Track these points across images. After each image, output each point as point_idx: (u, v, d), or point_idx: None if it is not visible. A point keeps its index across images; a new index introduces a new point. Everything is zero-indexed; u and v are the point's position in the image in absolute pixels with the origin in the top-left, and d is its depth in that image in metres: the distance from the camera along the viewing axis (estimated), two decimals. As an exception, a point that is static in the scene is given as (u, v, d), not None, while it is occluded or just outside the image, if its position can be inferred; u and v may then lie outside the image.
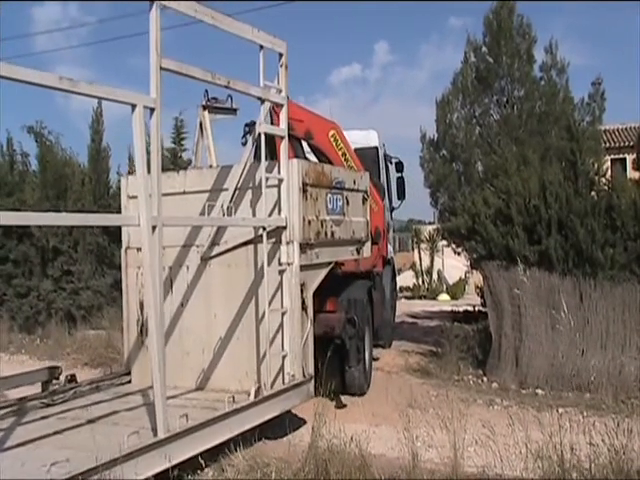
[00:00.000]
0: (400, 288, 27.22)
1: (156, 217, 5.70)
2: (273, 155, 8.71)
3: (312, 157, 9.61)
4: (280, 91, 7.42)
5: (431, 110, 15.06)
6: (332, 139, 9.77)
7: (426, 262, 26.47)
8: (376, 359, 11.04)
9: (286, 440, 6.82)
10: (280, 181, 7.30)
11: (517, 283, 9.60)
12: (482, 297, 11.98)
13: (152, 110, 5.52)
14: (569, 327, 9.28)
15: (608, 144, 24.74)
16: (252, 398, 6.54)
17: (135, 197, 7.46)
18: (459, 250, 11.77)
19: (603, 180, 10.06)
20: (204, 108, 8.75)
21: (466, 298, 21.39)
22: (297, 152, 9.26)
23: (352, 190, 8.82)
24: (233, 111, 8.99)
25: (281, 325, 7.29)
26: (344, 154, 9.86)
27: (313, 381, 7.52)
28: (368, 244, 9.36)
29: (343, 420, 6.42)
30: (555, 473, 4.90)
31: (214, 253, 7.78)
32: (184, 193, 7.90)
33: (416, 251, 27.43)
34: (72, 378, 7.84)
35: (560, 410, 8.11)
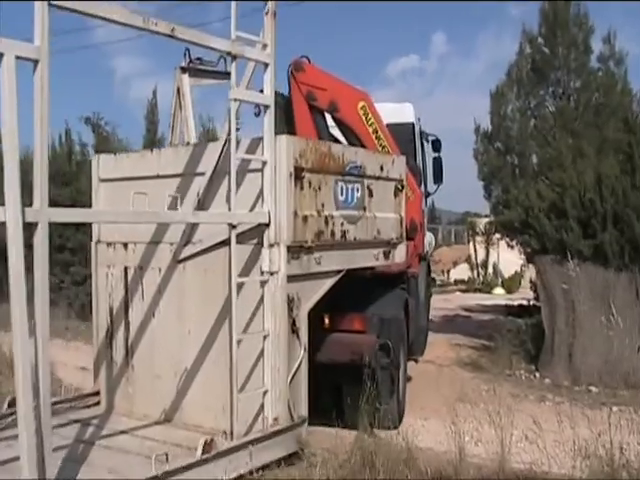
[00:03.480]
0: (455, 281, 27.17)
1: (38, 211, 4.20)
2: (291, 128, 7.77)
3: (337, 133, 8.37)
4: (265, 46, 5.77)
5: (486, 101, 14.93)
6: (362, 112, 8.32)
7: (481, 255, 26.25)
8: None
9: (334, 431, 6.76)
10: (263, 164, 5.75)
11: (569, 278, 9.47)
12: (535, 292, 11.84)
13: (35, 63, 4.11)
14: (624, 323, 9.12)
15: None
16: (198, 455, 4.96)
17: (108, 180, 6.99)
18: (513, 244, 11.65)
19: (661, 173, 9.84)
20: (183, 71, 7.35)
21: (521, 292, 21.12)
22: (319, 127, 8.15)
23: (378, 178, 7.18)
24: (226, 75, 6.84)
25: (262, 352, 5.82)
26: (375, 131, 8.36)
27: (305, 425, 6.03)
28: (402, 247, 7.75)
29: (391, 413, 6.44)
30: (603, 472, 4.84)
31: (188, 254, 6.32)
32: (158, 177, 6.51)
33: (471, 244, 27.20)
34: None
35: (614, 408, 7.98)
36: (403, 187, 7.71)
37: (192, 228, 6.23)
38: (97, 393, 7.03)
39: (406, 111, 10.13)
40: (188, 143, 7.03)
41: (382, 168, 7.25)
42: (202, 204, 6.18)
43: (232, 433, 5.56)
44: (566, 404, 8.33)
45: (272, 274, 5.73)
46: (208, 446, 5.03)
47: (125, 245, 6.76)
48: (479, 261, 26.02)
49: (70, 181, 16.28)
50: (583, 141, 10.72)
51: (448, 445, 5.83)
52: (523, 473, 5.33)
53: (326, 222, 6.28)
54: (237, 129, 6.01)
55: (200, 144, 6.60)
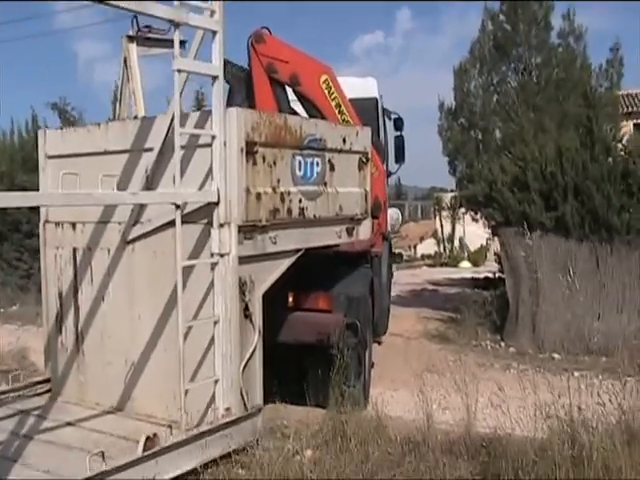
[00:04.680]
0: (422, 256, 27.44)
1: None
2: (252, 103, 7.45)
3: (299, 107, 7.91)
4: (213, 13, 5.30)
5: (451, 78, 15.09)
6: (324, 86, 7.94)
7: (447, 230, 26.56)
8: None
9: (302, 408, 6.83)
10: (212, 139, 5.33)
11: (532, 249, 9.73)
12: (500, 263, 12.11)
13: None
14: (585, 292, 9.42)
15: (631, 108, 24.47)
16: (139, 452, 4.59)
17: (56, 157, 6.59)
18: (477, 217, 11.88)
19: (619, 146, 10.12)
20: (130, 40, 6.80)
21: (487, 265, 21.44)
22: (280, 101, 7.75)
23: (341, 151, 6.73)
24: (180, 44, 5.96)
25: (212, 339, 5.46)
26: (338, 105, 7.99)
27: (261, 415, 5.70)
28: (367, 222, 7.27)
29: (362, 385, 6.61)
30: (564, 431, 5.07)
31: (137, 234, 5.93)
32: (105, 153, 6.14)
33: (437, 219, 27.49)
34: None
35: (576, 374, 8.19)
36: (368, 160, 7.26)
37: (141, 207, 5.85)
38: (49, 380, 6.70)
39: (369, 86, 9.81)
40: (136, 117, 6.47)
41: (345, 140, 6.80)
42: (150, 182, 5.78)
43: (182, 425, 5.16)
44: (530, 371, 8.56)
45: (222, 256, 5.33)
46: (150, 442, 4.67)
47: (73, 225, 6.42)
48: (445, 235, 26.32)
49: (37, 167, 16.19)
50: (545, 116, 10.96)
51: (417, 414, 5.99)
52: (488, 436, 5.54)
53: (282, 199, 5.85)
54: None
55: (148, 118, 6.09)
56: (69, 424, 5.80)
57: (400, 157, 10.79)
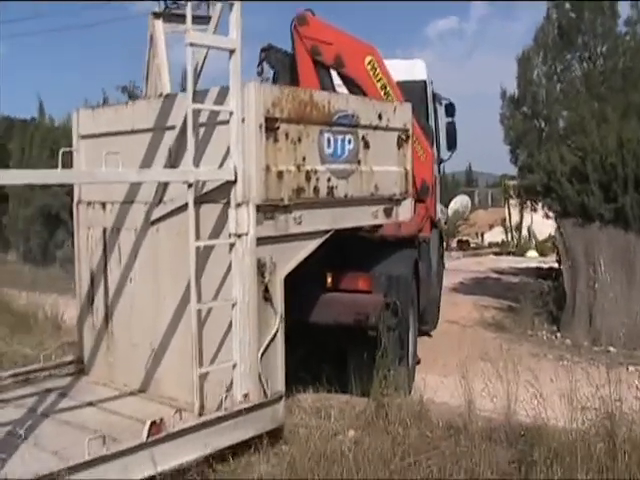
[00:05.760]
0: (489, 244, 27.27)
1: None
2: (296, 86, 7.27)
3: (344, 90, 7.67)
4: None
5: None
6: (369, 67, 7.74)
7: (516, 218, 26.28)
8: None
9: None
10: (230, 115, 5.11)
11: (591, 241, 9.67)
12: (558, 254, 12.06)
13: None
14: (645, 285, 9.34)
15: None
16: (144, 437, 4.44)
17: (88, 136, 6.52)
18: (537, 207, 11.82)
19: (684, 137, 9.93)
20: (156, 16, 6.56)
21: (554, 255, 21.21)
22: (324, 84, 7.63)
23: (376, 128, 6.45)
24: (207, 20, 6.07)
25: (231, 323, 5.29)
26: (384, 86, 7.77)
27: (282, 402, 5.48)
28: (408, 203, 6.99)
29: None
30: (601, 424, 5.16)
31: (160, 214, 5.82)
32: (132, 132, 6.03)
33: (506, 207, 27.21)
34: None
35: (631, 368, 8.22)
36: (408, 137, 6.95)
37: (165, 187, 5.72)
38: (81, 361, 6.72)
39: (417, 68, 9.58)
40: (161, 94, 6.29)
41: (380, 117, 6.52)
42: (174, 160, 5.62)
43: (195, 410, 5.09)
44: (584, 364, 8.55)
45: (239, 236, 5.13)
46: (157, 427, 4.53)
47: (104, 205, 6.38)
48: (513, 224, 26.05)
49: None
50: (607, 106, 10.79)
51: (463, 400, 6.15)
52: (527, 425, 5.65)
53: (308, 178, 5.62)
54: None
55: (171, 95, 5.94)
56: (90, 405, 5.79)
57: (452, 144, 10.58)
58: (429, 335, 9.86)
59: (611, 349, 9.25)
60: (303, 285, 6.28)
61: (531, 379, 6.17)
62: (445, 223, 13.18)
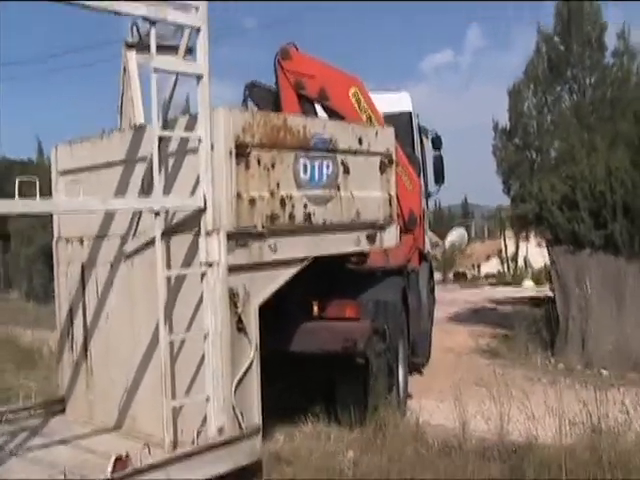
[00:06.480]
0: (486, 275, 27.52)
1: None
2: None
3: None
4: (197, 9, 4.87)
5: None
6: (354, 99, 7.65)
7: (512, 249, 26.55)
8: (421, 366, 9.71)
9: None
10: (199, 142, 4.91)
11: (582, 267, 9.88)
12: (550, 281, 12.25)
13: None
14: (635, 310, 9.53)
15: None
16: (108, 473, 4.25)
17: (66, 172, 6.30)
18: (529, 236, 12.04)
19: (670, 165, 10.18)
20: (129, 47, 6.35)
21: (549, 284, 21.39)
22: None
23: (356, 152, 6.25)
24: (188, 51, 5.72)
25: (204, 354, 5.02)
26: (369, 118, 7.68)
27: (259, 436, 5.16)
28: (392, 229, 6.78)
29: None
30: (589, 438, 5.34)
31: (134, 247, 5.56)
32: (107, 165, 5.82)
33: (502, 238, 27.51)
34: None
35: (622, 389, 8.37)
36: (392, 162, 6.78)
37: (138, 219, 5.49)
38: (62, 400, 6.42)
39: (403, 100, 9.57)
40: (134, 126, 6.08)
41: (361, 141, 6.35)
42: (147, 191, 5.32)
43: (165, 445, 4.81)
44: (577, 386, 8.71)
45: (210, 265, 4.90)
46: (121, 463, 4.33)
47: (81, 240, 6.16)
48: (509, 254, 26.32)
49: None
50: (596, 135, 11.07)
51: (458, 422, 6.33)
52: (520, 443, 5.82)
53: (282, 204, 5.43)
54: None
55: (143, 126, 5.72)
56: (64, 443, 5.55)
57: (440, 178, 10.52)
58: (421, 371, 9.89)
59: (603, 372, 9.40)
60: (288, 314, 6.36)
61: (524, 401, 6.37)
62: (442, 254, 13.36)
